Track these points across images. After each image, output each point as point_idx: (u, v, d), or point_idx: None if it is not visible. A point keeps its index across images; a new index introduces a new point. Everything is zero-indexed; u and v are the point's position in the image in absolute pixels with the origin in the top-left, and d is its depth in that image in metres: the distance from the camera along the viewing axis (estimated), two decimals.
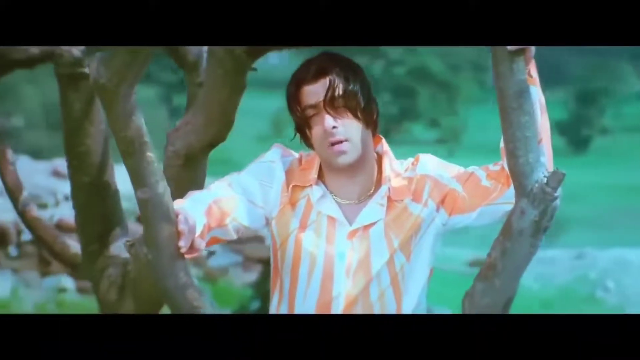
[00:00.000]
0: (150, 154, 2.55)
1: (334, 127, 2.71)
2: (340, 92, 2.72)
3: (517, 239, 2.59)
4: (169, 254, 2.58)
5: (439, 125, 38.49)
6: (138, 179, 2.55)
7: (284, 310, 2.83)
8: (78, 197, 3.82)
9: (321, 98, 2.72)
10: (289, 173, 2.81)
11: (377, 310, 2.78)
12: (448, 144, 35.22)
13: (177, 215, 2.57)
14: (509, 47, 2.49)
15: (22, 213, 3.89)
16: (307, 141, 2.81)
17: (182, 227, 2.56)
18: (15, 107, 22.79)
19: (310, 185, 2.79)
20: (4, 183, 3.86)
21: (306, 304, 2.79)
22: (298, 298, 2.80)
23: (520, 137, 2.53)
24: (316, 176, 2.79)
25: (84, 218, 3.82)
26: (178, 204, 2.66)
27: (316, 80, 2.73)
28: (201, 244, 2.62)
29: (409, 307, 2.81)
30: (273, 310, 2.86)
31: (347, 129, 2.73)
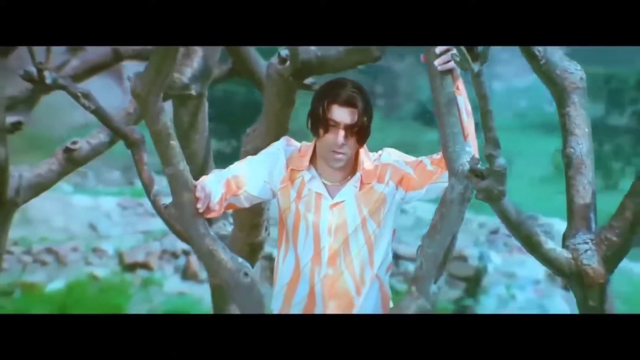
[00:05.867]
0: (174, 142, 3.63)
1: (342, 145, 3.68)
2: (359, 124, 3.66)
3: (449, 206, 3.49)
4: (190, 213, 3.66)
5: None
6: (165, 159, 3.65)
7: (290, 256, 3.80)
8: None
9: (344, 121, 3.64)
10: (289, 159, 3.81)
11: (357, 261, 3.75)
12: None
13: (195, 186, 3.65)
14: (439, 67, 3.40)
15: (153, 202, 5.03)
16: (313, 132, 3.73)
17: (199, 194, 3.64)
18: None
19: (303, 169, 3.79)
20: (141, 179, 5.00)
21: (305, 252, 3.77)
22: (299, 248, 3.79)
23: (449, 133, 3.42)
24: (308, 162, 3.79)
25: None
26: (203, 178, 3.75)
27: (345, 106, 3.65)
28: (215, 207, 3.68)
29: (379, 258, 3.78)
30: (281, 256, 3.85)
31: (349, 148, 3.70)
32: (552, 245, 3.26)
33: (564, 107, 3.51)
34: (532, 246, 3.23)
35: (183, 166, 3.65)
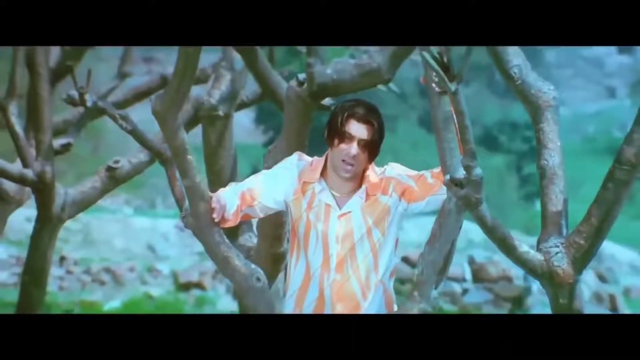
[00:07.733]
0: (190, 157, 3.92)
1: (353, 157, 3.98)
2: (372, 140, 3.97)
3: (447, 215, 3.76)
4: (206, 222, 3.96)
5: None
6: (183, 172, 3.94)
7: (302, 262, 4.08)
8: None
9: (359, 135, 3.95)
10: (301, 172, 4.09)
11: (362, 267, 4.03)
12: None
13: (210, 197, 3.96)
14: (436, 88, 3.65)
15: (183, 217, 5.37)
16: (329, 142, 4.02)
17: (214, 204, 3.95)
18: None
19: (314, 182, 4.09)
20: (173, 194, 5.36)
21: (315, 259, 4.05)
22: (310, 255, 4.07)
23: (446, 148, 3.63)
24: (318, 175, 4.07)
25: None
26: (221, 190, 4.06)
27: (362, 122, 3.97)
28: (230, 217, 3.98)
29: (383, 265, 4.05)
30: (293, 263, 4.12)
31: (359, 162, 3.99)
32: (526, 249, 3.54)
33: (539, 123, 3.81)
34: (507, 249, 3.50)
35: (199, 179, 3.92)
